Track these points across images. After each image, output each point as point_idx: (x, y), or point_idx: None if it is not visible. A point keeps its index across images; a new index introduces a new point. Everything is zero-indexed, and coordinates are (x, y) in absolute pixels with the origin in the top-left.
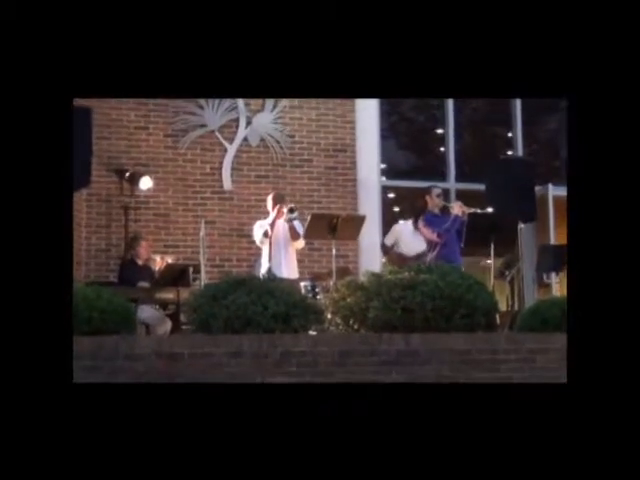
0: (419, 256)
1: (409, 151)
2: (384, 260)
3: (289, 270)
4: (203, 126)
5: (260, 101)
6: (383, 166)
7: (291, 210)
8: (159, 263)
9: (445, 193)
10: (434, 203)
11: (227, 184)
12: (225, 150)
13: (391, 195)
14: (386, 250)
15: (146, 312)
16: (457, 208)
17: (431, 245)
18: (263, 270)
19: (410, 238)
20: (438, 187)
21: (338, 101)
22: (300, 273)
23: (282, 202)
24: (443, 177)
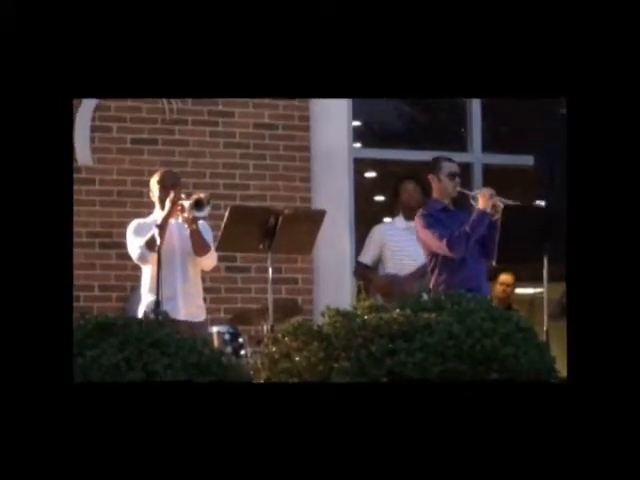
0: (420, 274)
1: (403, 101)
2: (359, 285)
3: (191, 306)
4: None
5: None
6: (357, 124)
7: (198, 204)
8: None
9: (463, 171)
10: (444, 188)
11: (83, 156)
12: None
13: (371, 175)
14: (364, 273)
15: None
16: (483, 200)
17: (435, 260)
18: (145, 306)
19: (403, 246)
20: (452, 161)
21: None
22: (212, 311)
23: (177, 188)
24: (461, 145)
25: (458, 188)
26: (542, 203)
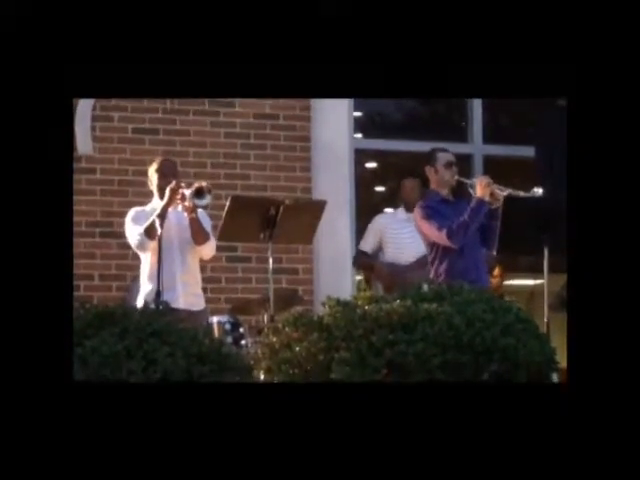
0: (420, 264)
1: None
2: (359, 277)
3: (189, 295)
4: None
5: None
6: (358, 115)
7: (199, 192)
8: None
9: (464, 162)
10: (442, 178)
11: (84, 145)
12: None
13: (371, 165)
14: (363, 262)
15: None
16: (481, 188)
17: (435, 250)
18: (144, 295)
19: (403, 235)
20: (447, 151)
21: None
22: (212, 301)
23: (175, 176)
24: (462, 136)
25: (456, 177)
26: (541, 192)
